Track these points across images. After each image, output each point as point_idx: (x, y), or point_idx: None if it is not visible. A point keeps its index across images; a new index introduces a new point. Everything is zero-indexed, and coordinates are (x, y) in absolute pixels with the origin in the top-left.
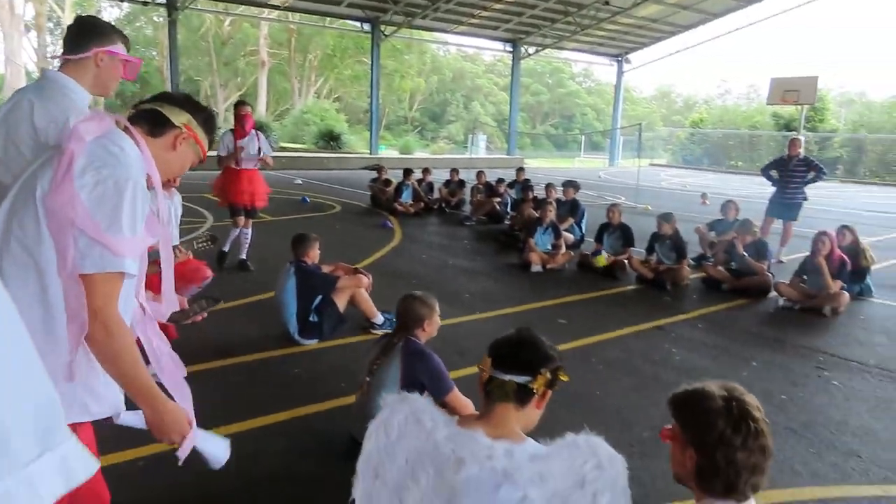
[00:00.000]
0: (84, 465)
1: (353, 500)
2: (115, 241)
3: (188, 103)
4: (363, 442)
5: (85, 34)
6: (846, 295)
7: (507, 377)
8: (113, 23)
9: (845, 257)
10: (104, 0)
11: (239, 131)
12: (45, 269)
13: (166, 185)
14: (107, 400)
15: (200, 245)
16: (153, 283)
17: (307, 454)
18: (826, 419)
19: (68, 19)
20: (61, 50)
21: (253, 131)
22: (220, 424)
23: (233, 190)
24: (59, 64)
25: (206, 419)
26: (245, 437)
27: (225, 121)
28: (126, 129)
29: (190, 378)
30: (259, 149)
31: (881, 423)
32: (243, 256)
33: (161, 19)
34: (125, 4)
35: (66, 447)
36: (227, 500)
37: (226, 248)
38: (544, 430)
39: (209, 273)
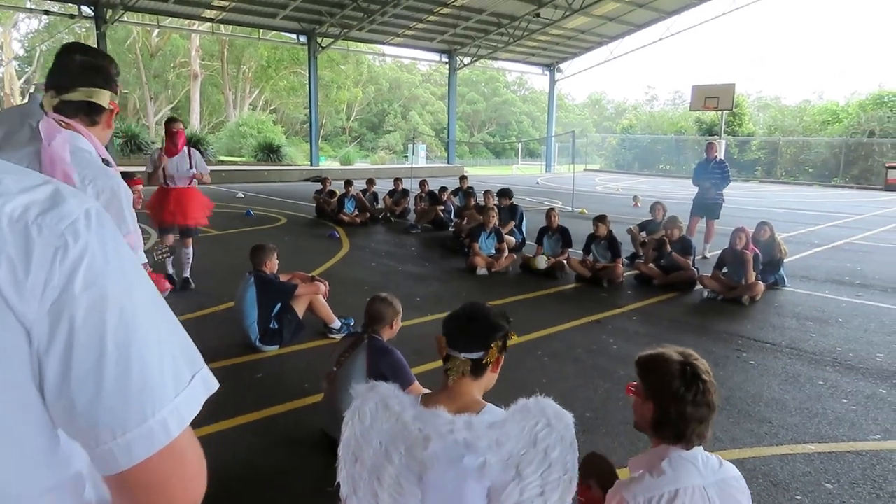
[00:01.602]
0: (214, 379)
1: (338, 484)
2: (132, 240)
3: (101, 76)
4: (342, 430)
5: None
6: (762, 285)
7: (462, 356)
8: (31, 35)
9: (757, 251)
10: (21, 12)
11: (170, 149)
12: None
13: None
14: None
15: (161, 257)
16: None
17: (275, 450)
18: (743, 393)
19: None
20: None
21: (185, 148)
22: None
23: (162, 209)
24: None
25: None
26: (215, 438)
27: (156, 134)
28: (68, 125)
29: None
30: (191, 166)
31: (789, 395)
32: (186, 275)
33: (83, 30)
34: (44, 17)
35: (205, 369)
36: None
37: (170, 270)
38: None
39: (167, 285)
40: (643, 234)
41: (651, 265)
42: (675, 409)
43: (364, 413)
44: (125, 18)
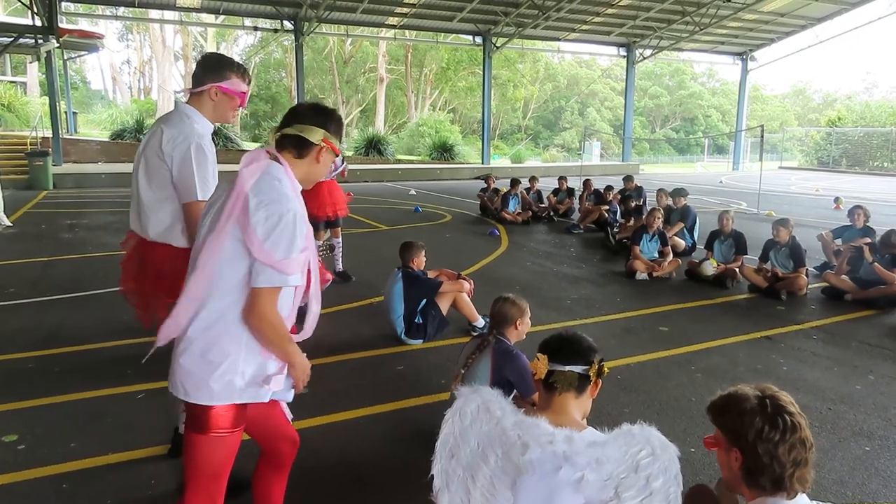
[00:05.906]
0: None
1: (432, 476)
2: (286, 264)
3: (318, 117)
4: (441, 426)
5: (204, 71)
6: None
7: (567, 368)
8: (247, 49)
9: None
10: (239, 29)
11: None
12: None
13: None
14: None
15: (322, 253)
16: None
17: (402, 441)
18: None
19: (211, 48)
20: (187, 84)
21: None
22: (328, 413)
23: (314, 203)
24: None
25: (316, 408)
26: (352, 423)
27: (347, 136)
28: (276, 158)
29: None
30: (340, 161)
31: None
32: (340, 267)
33: (289, 43)
34: (258, 32)
35: None
36: (329, 471)
37: (339, 267)
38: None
39: (329, 276)
40: (837, 241)
41: (844, 277)
42: (764, 450)
43: (465, 413)
44: (320, 30)
